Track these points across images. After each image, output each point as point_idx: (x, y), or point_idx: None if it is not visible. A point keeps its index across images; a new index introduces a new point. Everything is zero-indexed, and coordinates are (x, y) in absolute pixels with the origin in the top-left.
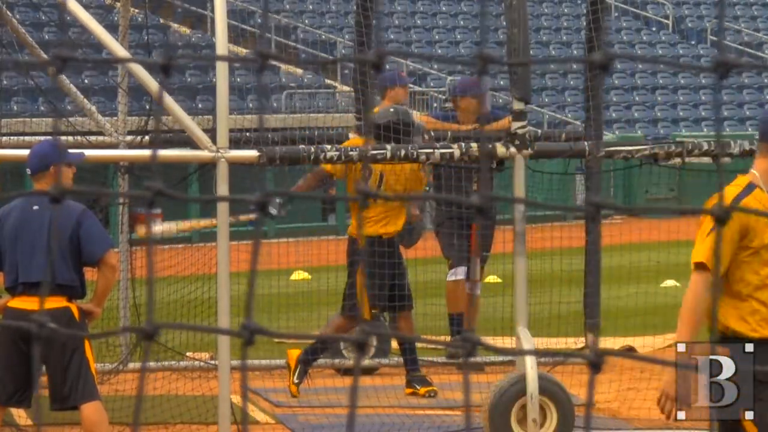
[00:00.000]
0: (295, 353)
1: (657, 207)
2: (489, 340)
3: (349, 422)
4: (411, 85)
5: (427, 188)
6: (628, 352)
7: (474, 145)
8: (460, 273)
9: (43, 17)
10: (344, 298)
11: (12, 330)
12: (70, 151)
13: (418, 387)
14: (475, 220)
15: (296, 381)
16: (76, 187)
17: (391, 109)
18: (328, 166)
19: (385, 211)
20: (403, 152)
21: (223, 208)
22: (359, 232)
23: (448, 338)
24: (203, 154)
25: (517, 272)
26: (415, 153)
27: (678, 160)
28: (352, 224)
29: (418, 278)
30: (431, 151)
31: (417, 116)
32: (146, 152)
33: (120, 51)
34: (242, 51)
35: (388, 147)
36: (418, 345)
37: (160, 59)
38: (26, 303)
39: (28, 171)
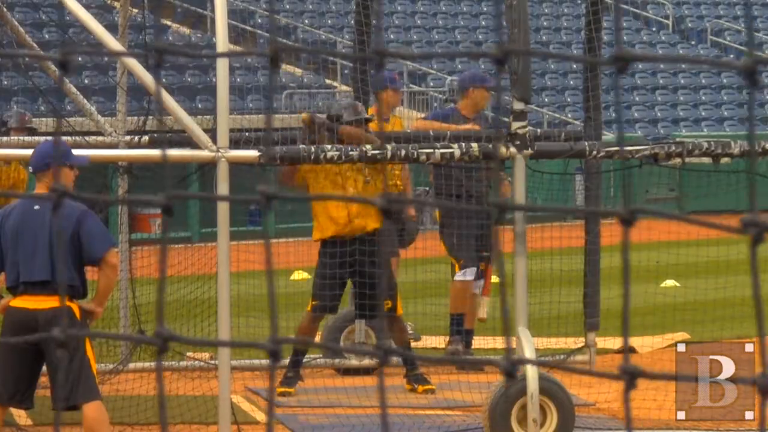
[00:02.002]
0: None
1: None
2: (489, 340)
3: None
4: (412, 85)
5: (428, 188)
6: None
7: (474, 145)
8: (470, 274)
9: (43, 17)
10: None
11: (13, 330)
12: (75, 152)
13: (416, 385)
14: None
15: (283, 387)
16: (76, 192)
17: (344, 107)
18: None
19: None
20: (403, 152)
21: (223, 208)
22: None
23: (446, 338)
24: (203, 154)
25: (517, 272)
26: (415, 153)
27: (678, 160)
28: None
29: (418, 278)
30: (431, 151)
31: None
32: (146, 152)
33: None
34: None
35: (389, 147)
36: (418, 345)
37: (58, 55)
38: (28, 302)
39: (30, 169)
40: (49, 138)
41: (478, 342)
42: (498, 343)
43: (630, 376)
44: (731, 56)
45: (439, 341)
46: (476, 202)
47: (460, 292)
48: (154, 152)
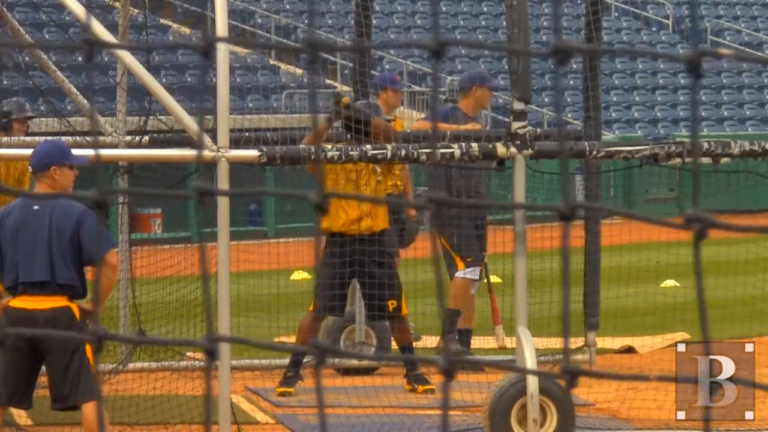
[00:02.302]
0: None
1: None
2: (490, 340)
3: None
4: (412, 85)
5: (428, 188)
6: (629, 350)
7: (474, 145)
8: (473, 273)
9: (43, 17)
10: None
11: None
12: (74, 152)
13: (416, 385)
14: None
15: (283, 387)
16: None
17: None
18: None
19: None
20: (403, 152)
21: (223, 208)
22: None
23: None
24: (204, 153)
25: (517, 272)
26: (415, 153)
27: (678, 160)
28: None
29: (418, 278)
30: (431, 151)
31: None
32: (146, 152)
33: (119, 50)
34: (242, 51)
35: (389, 147)
36: (418, 345)
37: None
38: (27, 303)
39: (30, 169)
40: (49, 138)
41: (479, 342)
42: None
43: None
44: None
45: (438, 341)
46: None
47: (461, 289)
48: (154, 152)
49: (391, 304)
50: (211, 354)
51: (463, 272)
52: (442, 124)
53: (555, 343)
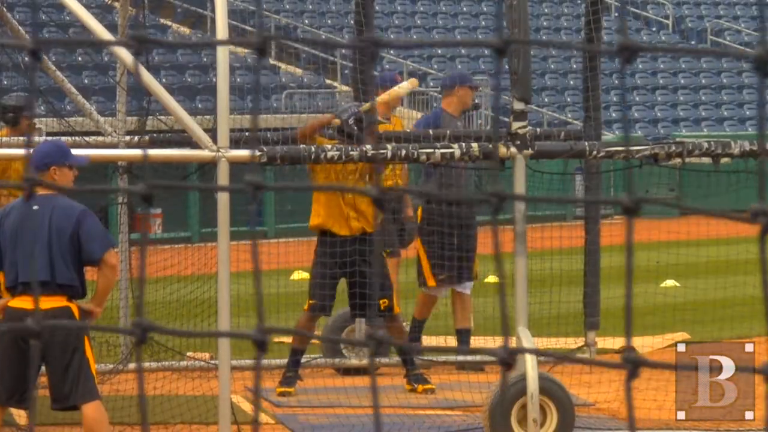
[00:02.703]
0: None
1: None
2: (489, 340)
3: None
4: None
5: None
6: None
7: (474, 145)
8: (438, 292)
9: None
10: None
11: (12, 329)
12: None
13: (416, 385)
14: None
15: (283, 386)
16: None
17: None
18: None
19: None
20: (403, 152)
21: (223, 207)
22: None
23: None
24: (204, 153)
25: (517, 272)
26: (415, 153)
27: (678, 160)
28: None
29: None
30: (432, 151)
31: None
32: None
33: (119, 50)
34: (242, 51)
35: (389, 146)
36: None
37: None
38: (26, 302)
39: (30, 168)
40: (49, 138)
41: (477, 342)
42: (498, 342)
43: (633, 365)
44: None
45: (438, 341)
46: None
47: (426, 301)
48: (154, 152)
49: (383, 303)
50: (261, 346)
51: (429, 289)
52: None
53: (555, 342)
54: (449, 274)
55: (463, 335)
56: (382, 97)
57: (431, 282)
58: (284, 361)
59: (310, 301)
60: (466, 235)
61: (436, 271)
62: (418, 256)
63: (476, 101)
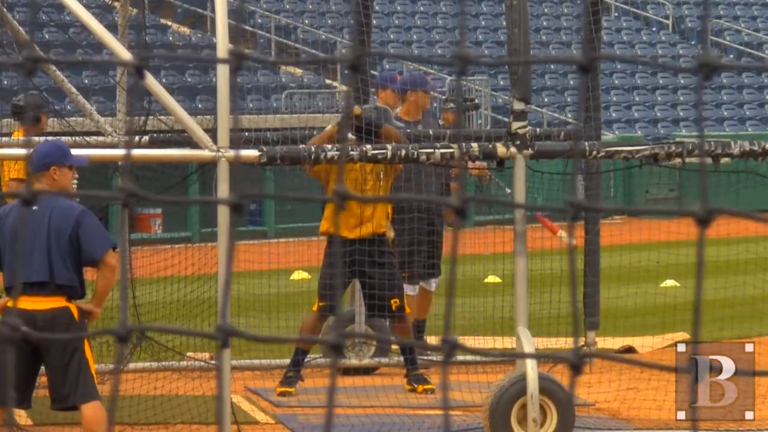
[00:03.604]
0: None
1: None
2: (489, 340)
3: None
4: None
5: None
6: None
7: (474, 145)
8: (412, 290)
9: (44, 17)
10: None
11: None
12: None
13: (416, 385)
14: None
15: (283, 386)
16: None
17: (374, 108)
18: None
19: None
20: (403, 152)
21: (223, 207)
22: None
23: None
24: (204, 153)
25: (517, 272)
26: (415, 153)
27: (678, 160)
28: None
29: None
30: (431, 151)
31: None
32: (146, 152)
33: (120, 50)
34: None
35: (389, 147)
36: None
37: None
38: (26, 303)
39: (30, 168)
40: (49, 138)
41: (478, 342)
42: (497, 342)
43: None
44: (731, 56)
45: (438, 341)
46: (427, 211)
47: (424, 297)
48: (154, 152)
49: (394, 303)
50: (338, 351)
51: (427, 284)
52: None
53: (555, 342)
54: (417, 271)
55: (419, 325)
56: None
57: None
58: (284, 361)
59: (320, 303)
60: (434, 233)
61: (405, 268)
62: None
63: (476, 101)
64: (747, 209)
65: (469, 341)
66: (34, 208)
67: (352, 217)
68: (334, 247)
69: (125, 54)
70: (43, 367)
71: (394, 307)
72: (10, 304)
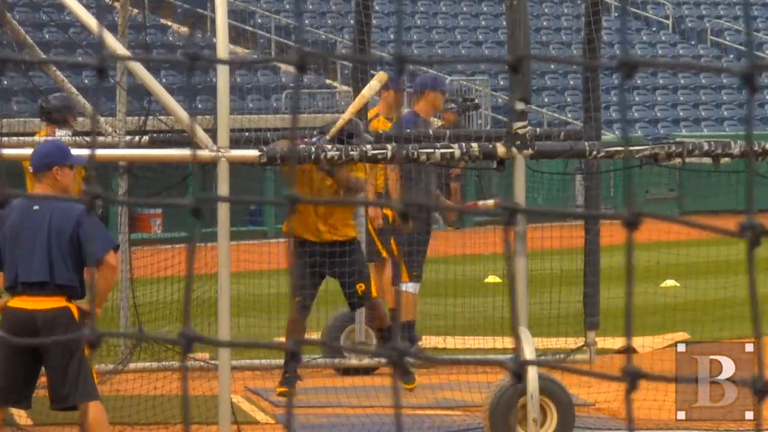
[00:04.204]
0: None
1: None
2: (489, 340)
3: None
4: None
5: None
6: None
7: (474, 145)
8: (415, 288)
9: (44, 17)
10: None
11: (12, 330)
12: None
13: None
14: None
15: (283, 387)
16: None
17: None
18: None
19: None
20: (403, 152)
21: (223, 208)
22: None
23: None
24: (204, 153)
25: (517, 272)
26: (415, 153)
27: (678, 160)
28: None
29: None
30: (431, 151)
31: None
32: (146, 152)
33: (120, 50)
34: (242, 51)
35: (389, 147)
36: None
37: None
38: (26, 303)
39: (31, 169)
40: (48, 138)
41: (478, 342)
42: (497, 342)
43: (631, 377)
44: (731, 56)
45: (438, 341)
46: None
47: (409, 301)
48: (154, 152)
49: (360, 287)
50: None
51: (406, 285)
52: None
53: (555, 342)
54: (420, 269)
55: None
56: (354, 105)
57: (405, 277)
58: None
59: (296, 299)
60: (420, 234)
61: (413, 266)
62: (391, 251)
63: (476, 101)
64: (746, 209)
65: (470, 341)
66: (36, 207)
67: (315, 222)
68: (297, 248)
69: (125, 54)
70: (42, 367)
71: (359, 292)
72: (10, 303)
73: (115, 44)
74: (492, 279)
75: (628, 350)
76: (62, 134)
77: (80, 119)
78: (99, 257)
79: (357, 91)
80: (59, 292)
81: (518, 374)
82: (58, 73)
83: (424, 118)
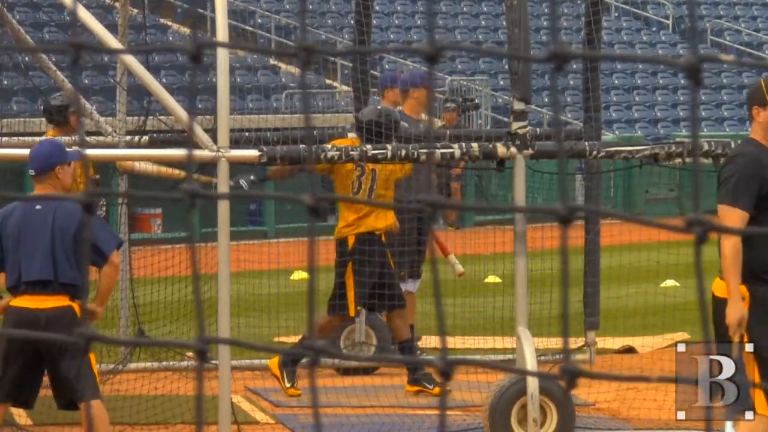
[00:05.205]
0: (274, 362)
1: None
2: (489, 339)
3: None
4: None
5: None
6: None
7: (474, 145)
8: (414, 286)
9: (44, 17)
10: (332, 297)
11: (15, 329)
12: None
13: (430, 386)
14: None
15: (288, 385)
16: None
17: (378, 107)
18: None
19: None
20: (403, 152)
21: (223, 208)
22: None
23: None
24: (204, 153)
25: (517, 272)
26: (415, 153)
27: (678, 160)
28: (342, 224)
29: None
30: (432, 151)
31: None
32: (146, 152)
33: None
34: (242, 52)
35: (389, 147)
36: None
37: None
38: (29, 302)
39: (32, 172)
40: (47, 138)
41: (477, 342)
42: (497, 342)
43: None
44: (731, 56)
45: (437, 341)
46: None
47: (408, 302)
48: (154, 152)
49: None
50: (203, 356)
51: (405, 284)
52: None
53: (555, 343)
54: (414, 267)
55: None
56: None
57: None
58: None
59: (358, 308)
60: (410, 234)
61: (405, 266)
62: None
63: (476, 101)
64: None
65: (470, 341)
66: (38, 207)
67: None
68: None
69: (126, 54)
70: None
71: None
72: (13, 303)
73: (115, 45)
74: (492, 279)
75: (566, 354)
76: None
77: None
78: (105, 257)
79: (357, 90)
80: (63, 291)
81: (445, 373)
82: (59, 73)
83: (413, 117)
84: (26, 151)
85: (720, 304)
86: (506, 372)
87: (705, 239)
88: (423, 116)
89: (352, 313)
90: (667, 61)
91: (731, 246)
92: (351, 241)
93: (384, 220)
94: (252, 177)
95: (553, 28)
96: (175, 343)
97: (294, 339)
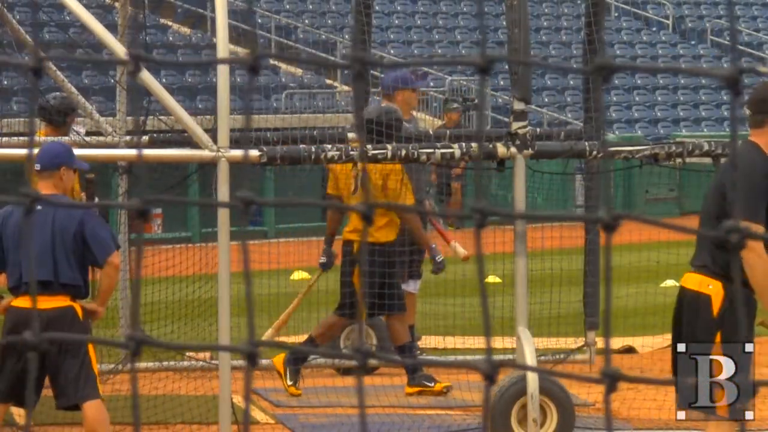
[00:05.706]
0: (279, 358)
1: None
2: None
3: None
4: None
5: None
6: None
7: (474, 145)
8: (415, 287)
9: (44, 17)
10: (342, 298)
11: (15, 330)
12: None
13: (430, 384)
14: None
15: (290, 383)
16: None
17: (383, 106)
18: (331, 190)
19: (386, 218)
20: (403, 152)
21: (223, 208)
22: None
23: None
24: (204, 153)
25: (517, 272)
26: (415, 153)
27: (678, 160)
28: (349, 228)
29: None
30: (432, 151)
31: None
32: (146, 152)
33: (121, 51)
34: (242, 51)
35: (389, 147)
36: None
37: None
38: (29, 302)
39: (37, 166)
40: (56, 138)
41: (476, 342)
42: (497, 342)
43: (611, 379)
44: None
45: (437, 341)
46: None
47: (409, 303)
48: (154, 152)
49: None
50: (252, 359)
51: (405, 285)
52: None
53: (555, 342)
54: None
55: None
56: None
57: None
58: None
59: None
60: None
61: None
62: None
63: (476, 101)
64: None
65: (469, 341)
66: (38, 207)
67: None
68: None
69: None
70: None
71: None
72: (14, 303)
73: (115, 45)
74: (492, 279)
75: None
76: (78, 130)
77: (81, 119)
78: (105, 257)
79: (357, 90)
80: (63, 292)
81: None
82: (59, 73)
83: (405, 119)
84: (26, 152)
85: (693, 299)
86: (541, 375)
87: (742, 246)
88: (410, 117)
89: (362, 315)
90: (709, 72)
91: (764, 264)
92: (356, 246)
93: (386, 237)
94: None
95: (600, 41)
96: (224, 347)
97: (293, 339)
